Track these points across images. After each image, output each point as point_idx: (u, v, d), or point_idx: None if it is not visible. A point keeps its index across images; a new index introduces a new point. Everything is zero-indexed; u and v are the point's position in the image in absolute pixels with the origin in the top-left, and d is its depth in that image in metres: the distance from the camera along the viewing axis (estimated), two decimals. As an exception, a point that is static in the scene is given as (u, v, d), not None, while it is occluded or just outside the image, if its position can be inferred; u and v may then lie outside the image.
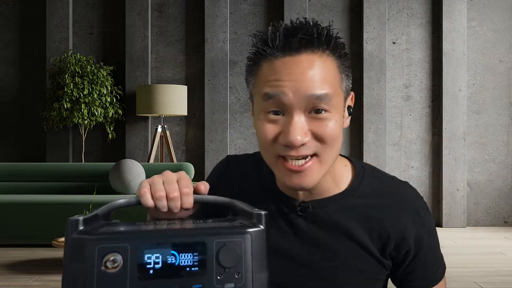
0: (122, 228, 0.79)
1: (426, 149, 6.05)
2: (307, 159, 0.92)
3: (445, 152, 5.95)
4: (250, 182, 1.09)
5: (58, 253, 4.39)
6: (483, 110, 6.04)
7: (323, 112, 0.91)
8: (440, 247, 1.12)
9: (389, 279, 1.14)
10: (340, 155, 1.08)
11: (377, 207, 1.03)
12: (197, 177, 5.97)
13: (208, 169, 5.94)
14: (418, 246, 1.04)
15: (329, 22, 1.00)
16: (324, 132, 0.91)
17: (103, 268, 0.74)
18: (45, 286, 3.41)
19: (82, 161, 5.82)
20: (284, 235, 1.04)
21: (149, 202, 0.86)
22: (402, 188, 1.05)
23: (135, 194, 0.92)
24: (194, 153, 6.08)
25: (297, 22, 0.94)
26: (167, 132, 5.70)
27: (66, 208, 4.68)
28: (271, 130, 0.92)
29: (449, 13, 5.95)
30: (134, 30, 5.99)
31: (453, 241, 5.07)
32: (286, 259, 1.03)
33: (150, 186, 0.88)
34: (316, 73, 0.90)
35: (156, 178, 0.88)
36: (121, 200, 0.88)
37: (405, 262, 1.05)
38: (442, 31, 5.96)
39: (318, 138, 0.92)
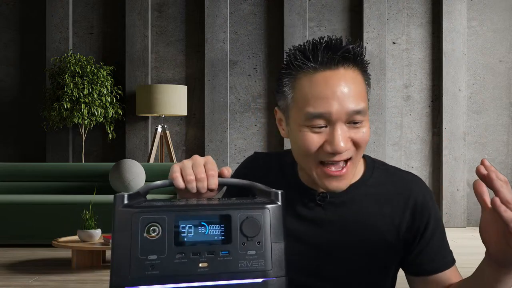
0: (160, 203, 0.91)
1: (426, 149, 6.06)
2: (345, 164, 1.05)
3: (445, 152, 5.95)
4: (274, 174, 1.19)
5: (58, 253, 4.39)
6: (483, 110, 6.05)
7: (359, 123, 1.04)
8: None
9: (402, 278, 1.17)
10: None
11: (388, 194, 1.13)
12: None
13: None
14: (424, 225, 1.12)
15: (358, 41, 1.09)
16: (361, 138, 1.04)
17: (145, 235, 0.87)
18: (45, 286, 3.41)
19: (82, 161, 5.82)
20: (303, 222, 1.13)
21: (181, 184, 0.98)
22: (410, 177, 1.16)
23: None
24: (194, 153, 6.08)
25: (334, 38, 1.05)
26: (167, 132, 5.70)
27: (66, 208, 4.68)
28: (316, 140, 1.03)
29: (449, 13, 5.95)
30: (134, 30, 5.99)
31: (453, 241, 5.07)
32: (306, 245, 1.12)
33: (181, 170, 0.99)
34: (354, 88, 1.03)
35: (186, 163, 1.00)
36: (157, 182, 1.01)
37: (414, 243, 1.12)
38: (442, 31, 5.96)
39: (355, 143, 1.04)
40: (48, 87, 5.81)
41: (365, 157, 1.18)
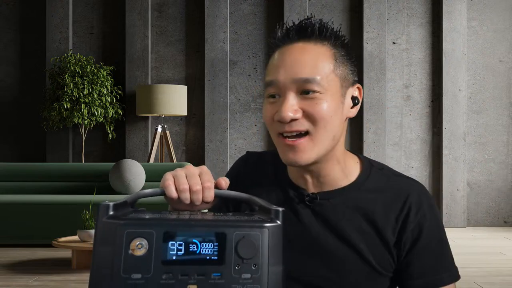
0: (149, 216, 0.84)
1: (426, 149, 6.06)
2: (300, 137, 1.01)
3: (445, 152, 5.95)
4: (265, 174, 1.15)
5: (58, 253, 4.39)
6: (483, 110, 6.05)
7: (311, 93, 0.99)
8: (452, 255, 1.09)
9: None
10: (353, 153, 1.15)
11: (381, 201, 1.06)
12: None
13: (209, 169, 5.95)
14: (416, 236, 1.04)
15: (331, 20, 1.08)
16: (314, 110, 0.99)
17: (130, 251, 0.79)
18: (45, 286, 3.41)
19: (82, 161, 5.82)
20: (291, 224, 1.07)
21: (174, 194, 0.91)
22: (409, 183, 1.08)
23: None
24: (194, 153, 6.08)
25: (308, 17, 1.07)
26: (167, 132, 5.70)
27: (66, 208, 4.68)
28: (269, 110, 1.03)
29: (449, 13, 5.95)
30: (134, 30, 5.99)
31: (453, 241, 5.07)
32: (292, 248, 1.06)
33: (174, 179, 0.92)
34: (307, 58, 1.01)
35: (180, 172, 0.93)
36: (147, 190, 0.92)
37: (403, 255, 1.05)
38: (442, 31, 5.96)
39: (309, 116, 1.00)
40: (48, 87, 5.81)
41: (362, 159, 1.12)
